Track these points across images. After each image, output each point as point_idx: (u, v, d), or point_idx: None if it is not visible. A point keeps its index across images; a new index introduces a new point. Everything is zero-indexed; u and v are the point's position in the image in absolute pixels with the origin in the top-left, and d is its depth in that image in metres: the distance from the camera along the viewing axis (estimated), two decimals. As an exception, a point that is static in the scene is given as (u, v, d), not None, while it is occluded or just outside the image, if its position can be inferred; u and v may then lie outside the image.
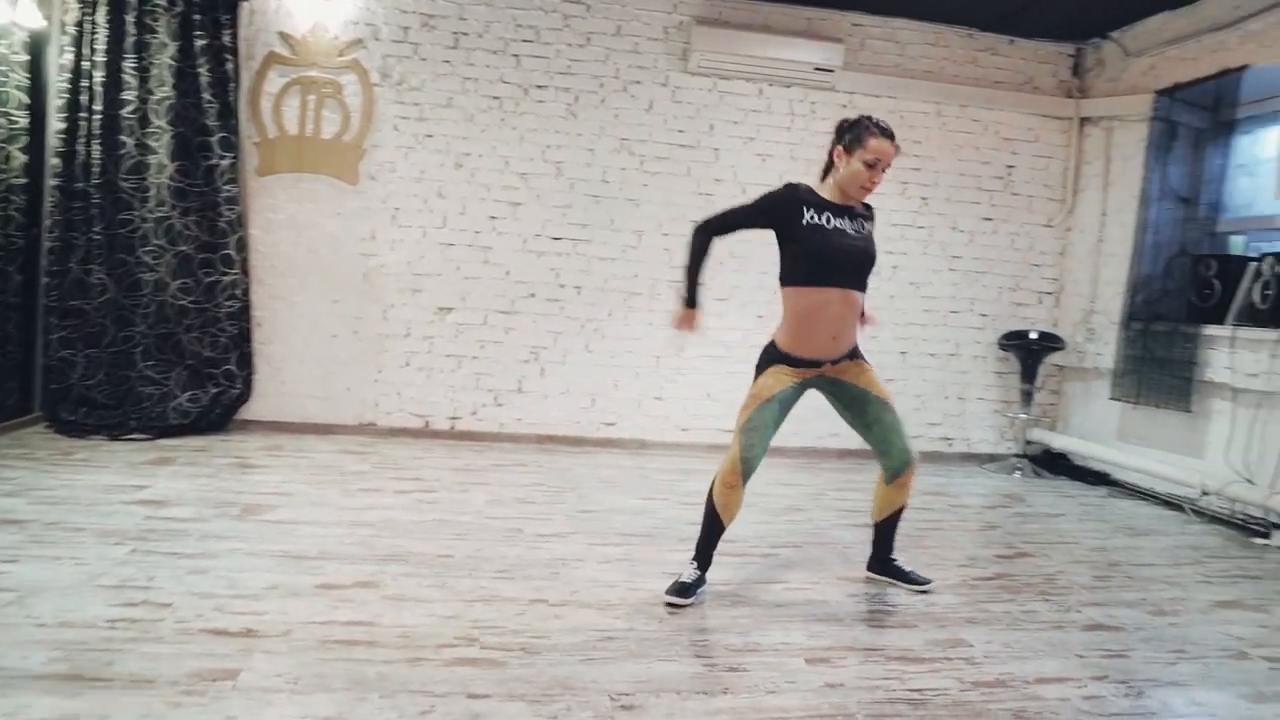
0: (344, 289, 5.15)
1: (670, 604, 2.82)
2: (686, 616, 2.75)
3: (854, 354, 2.99)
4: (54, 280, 4.76)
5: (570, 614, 2.70)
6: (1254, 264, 4.42)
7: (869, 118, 2.86)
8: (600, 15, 5.22)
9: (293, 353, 5.14)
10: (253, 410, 5.14)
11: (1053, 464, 5.48)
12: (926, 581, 3.09)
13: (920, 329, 5.61)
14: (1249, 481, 4.25)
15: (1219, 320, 4.50)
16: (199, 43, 4.76)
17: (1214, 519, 4.43)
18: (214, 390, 4.95)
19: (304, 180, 5.07)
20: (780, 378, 2.90)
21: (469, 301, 5.23)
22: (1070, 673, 2.49)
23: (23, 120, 4.69)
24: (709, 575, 2.98)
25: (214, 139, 4.83)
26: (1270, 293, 4.23)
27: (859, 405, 3.01)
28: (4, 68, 4.61)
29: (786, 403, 2.93)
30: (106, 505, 3.48)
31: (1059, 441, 5.53)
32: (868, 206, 3.04)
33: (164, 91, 4.76)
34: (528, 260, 5.27)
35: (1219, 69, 4.66)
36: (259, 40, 4.98)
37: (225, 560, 2.97)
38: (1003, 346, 5.58)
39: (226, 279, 4.93)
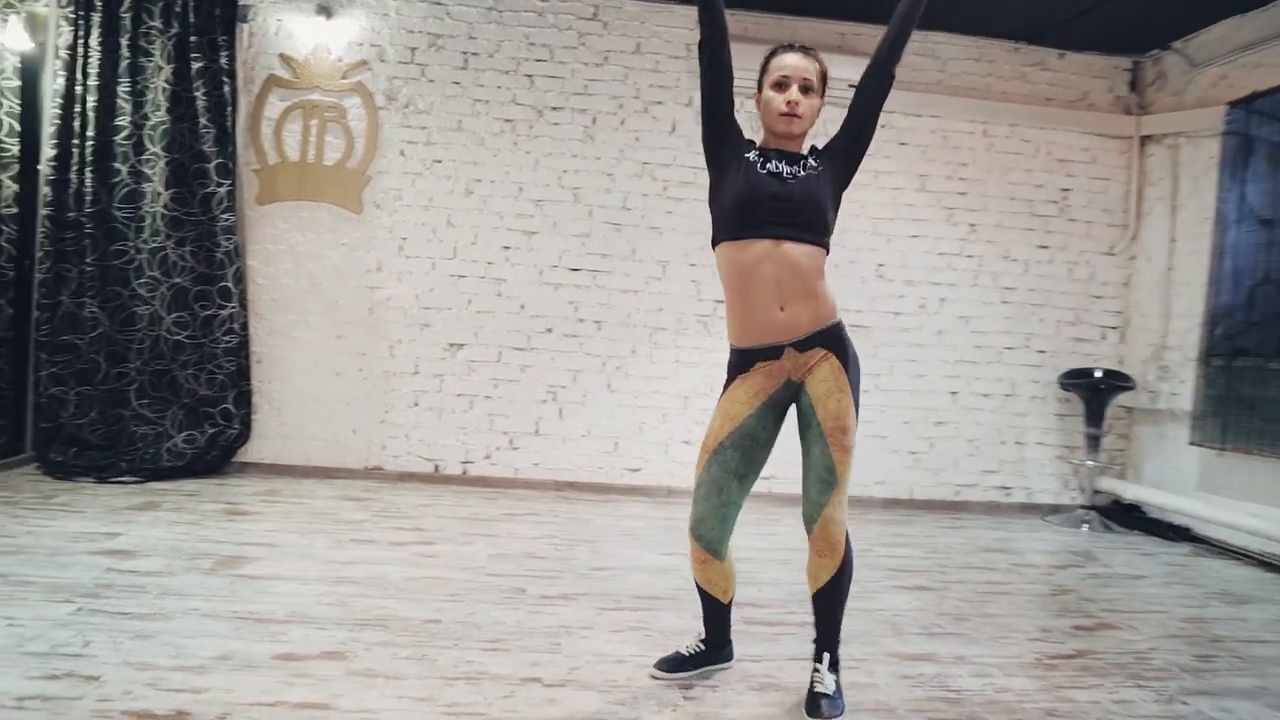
0: (348, 324, 4.82)
1: (653, 674, 2.41)
2: (706, 703, 2.30)
3: (828, 340, 2.23)
4: (45, 314, 4.49)
5: (567, 697, 2.27)
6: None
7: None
8: (618, 33, 4.90)
9: (294, 391, 4.81)
10: (252, 452, 4.80)
11: (1125, 517, 4.94)
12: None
13: (972, 366, 5.14)
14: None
15: (1314, 354, 4.00)
16: (196, 65, 4.51)
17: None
18: (211, 431, 4.63)
19: (305, 209, 4.78)
20: (736, 405, 2.24)
21: (481, 337, 4.88)
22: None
23: (14, 148, 4.46)
24: (736, 650, 2.54)
25: (211, 165, 4.56)
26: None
27: (804, 423, 2.25)
28: (-3, 95, 4.40)
29: (753, 440, 2.24)
30: (67, 556, 3.14)
31: (1131, 491, 4.99)
32: (817, 151, 2.33)
33: (159, 116, 4.51)
34: (544, 293, 4.91)
35: (1303, 75, 4.21)
36: (259, 63, 4.74)
37: (179, 623, 2.59)
38: (1064, 386, 5.08)
39: (224, 313, 4.62)
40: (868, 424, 5.02)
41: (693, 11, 4.47)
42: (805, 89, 2.25)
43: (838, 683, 2.25)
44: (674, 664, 2.44)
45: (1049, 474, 5.21)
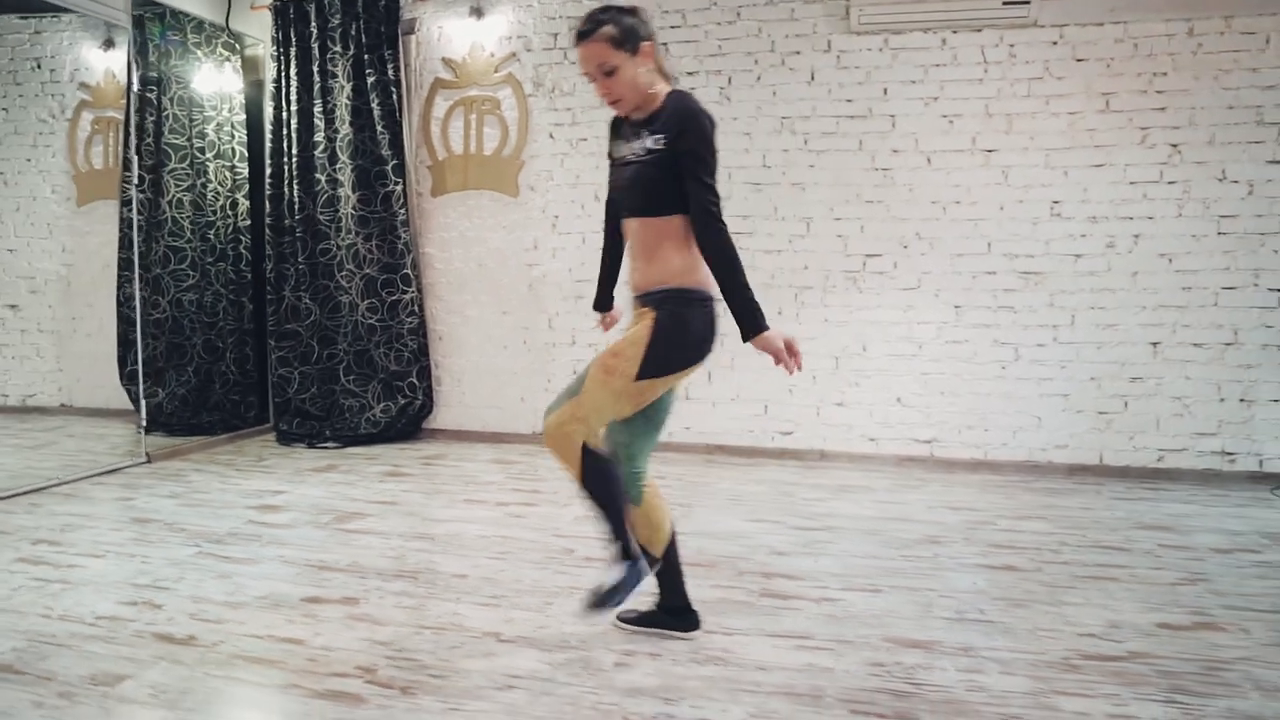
0: (511, 300, 5.22)
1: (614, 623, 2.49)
2: (636, 669, 2.31)
3: (653, 300, 2.21)
4: (273, 307, 5.37)
5: (509, 653, 2.40)
6: None
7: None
8: (749, -15, 4.76)
9: (470, 365, 5.32)
10: (439, 420, 5.40)
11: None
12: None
13: (1178, 312, 4.36)
14: None
15: None
16: (369, 79, 5.09)
17: None
18: (402, 402, 5.27)
19: (470, 197, 5.23)
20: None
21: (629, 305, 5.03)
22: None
23: (244, 171, 5.37)
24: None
25: (388, 166, 5.14)
26: None
27: None
28: (229, 129, 5.31)
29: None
30: (228, 509, 3.82)
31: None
32: (678, 116, 2.12)
33: (345, 129, 5.16)
34: (688, 259, 4.94)
35: None
36: (425, 69, 5.23)
37: (259, 567, 3.08)
38: (1307, 329, 4.16)
39: (406, 296, 5.22)
40: (1045, 381, 4.49)
41: None
42: (607, 72, 2.13)
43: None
44: (603, 600, 2.24)
45: (1291, 437, 4.30)
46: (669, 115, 2.13)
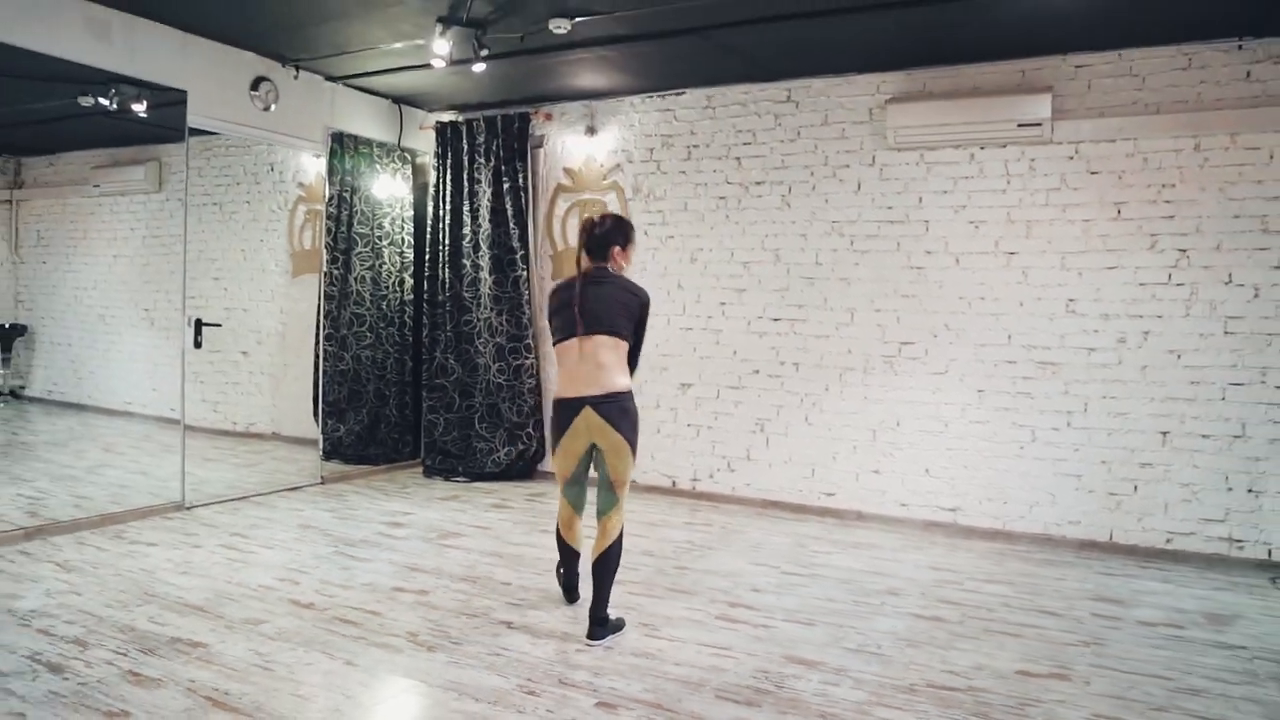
0: (609, 368, 6.25)
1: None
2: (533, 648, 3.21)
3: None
4: (426, 365, 6.70)
5: (509, 635, 3.36)
6: None
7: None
8: (808, 109, 5.59)
9: (577, 420, 6.38)
10: (548, 464, 6.46)
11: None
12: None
13: (1186, 404, 4.70)
14: None
15: None
16: (505, 185, 6.35)
17: None
18: (520, 447, 6.41)
19: (580, 282, 6.33)
20: None
21: (704, 378, 5.92)
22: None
23: (410, 255, 6.78)
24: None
25: (517, 256, 6.35)
26: None
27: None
28: (400, 222, 6.74)
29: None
30: (366, 523, 5.05)
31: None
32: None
33: (486, 225, 6.44)
34: (751, 340, 5.78)
35: None
36: (550, 176, 6.43)
37: (371, 565, 4.24)
38: (1311, 427, 4.41)
39: (526, 362, 6.38)
40: (1059, 461, 4.95)
41: (874, 76, 5.12)
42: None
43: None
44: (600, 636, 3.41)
45: (1298, 529, 4.52)
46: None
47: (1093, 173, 4.90)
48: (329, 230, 6.47)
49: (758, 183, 5.76)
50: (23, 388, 8.78)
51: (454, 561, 4.34)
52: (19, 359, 8.88)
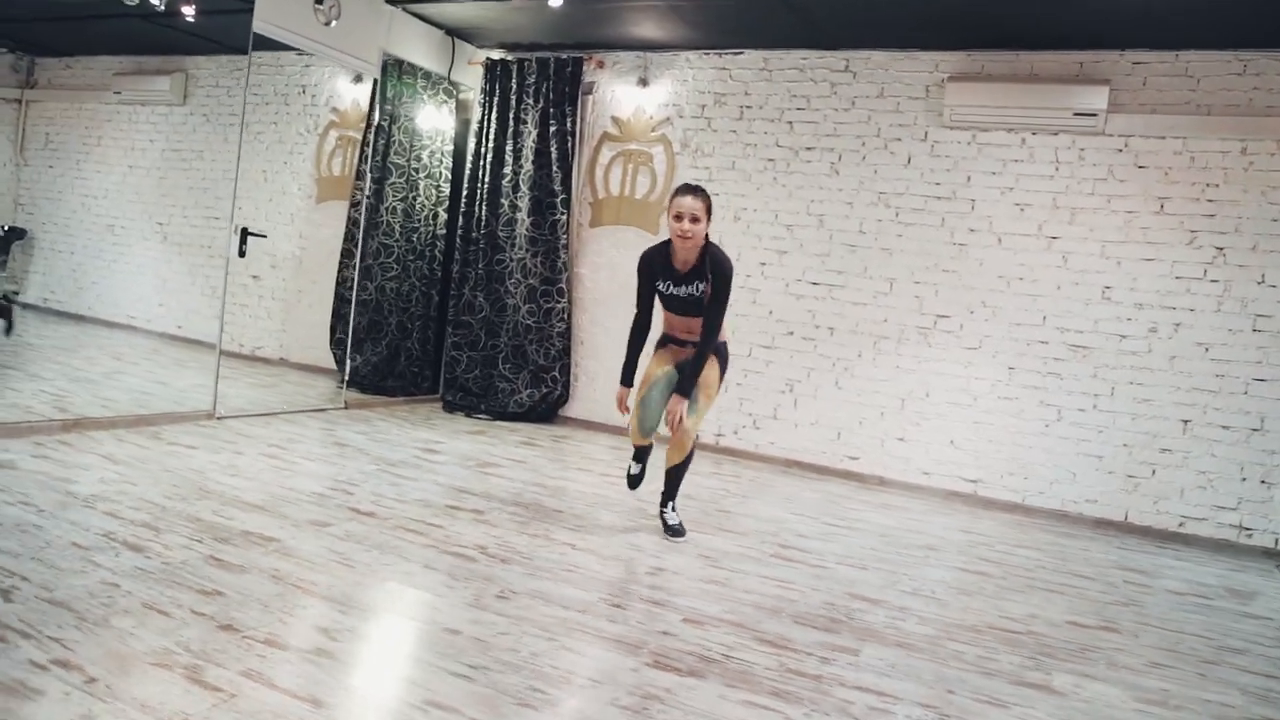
0: (640, 319, 6.32)
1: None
2: (518, 602, 3.30)
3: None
4: (453, 301, 6.70)
5: (574, 554, 3.44)
6: None
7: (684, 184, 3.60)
8: (865, 80, 5.68)
9: (603, 367, 6.45)
10: (573, 410, 6.56)
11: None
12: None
13: (1209, 396, 4.91)
14: None
15: None
16: (551, 128, 6.36)
17: None
18: (544, 390, 6.46)
19: (619, 231, 6.38)
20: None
21: (738, 335, 6.01)
22: None
23: (446, 190, 6.75)
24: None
25: (557, 199, 6.38)
26: None
27: None
28: (439, 156, 6.71)
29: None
30: (402, 447, 5.08)
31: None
32: (713, 271, 3.56)
33: (528, 166, 6.44)
34: (789, 302, 5.89)
35: None
36: (597, 124, 6.45)
37: (418, 484, 4.28)
38: (1327, 426, 4.63)
39: (558, 306, 6.42)
40: (1082, 441, 5.14)
41: (934, 54, 5.24)
42: (694, 219, 3.44)
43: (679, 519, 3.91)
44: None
45: (1305, 522, 4.76)
46: (710, 266, 3.54)
47: (1140, 167, 5.06)
48: (366, 157, 6.43)
49: (808, 148, 5.84)
50: (16, 293, 8.58)
51: (499, 488, 4.40)
52: (15, 263, 8.70)
